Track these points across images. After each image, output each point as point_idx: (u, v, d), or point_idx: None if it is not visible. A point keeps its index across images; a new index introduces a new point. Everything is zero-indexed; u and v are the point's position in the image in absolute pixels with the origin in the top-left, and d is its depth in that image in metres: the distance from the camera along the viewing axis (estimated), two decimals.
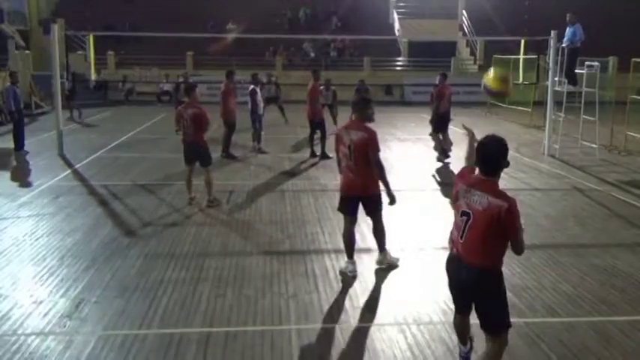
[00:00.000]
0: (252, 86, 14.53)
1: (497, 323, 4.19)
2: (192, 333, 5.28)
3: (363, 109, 6.48)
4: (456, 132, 17.75)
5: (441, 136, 13.68)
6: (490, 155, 4.06)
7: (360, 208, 6.66)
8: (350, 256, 6.77)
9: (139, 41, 29.06)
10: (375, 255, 7.16)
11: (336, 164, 6.81)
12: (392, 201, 6.49)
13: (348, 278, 6.57)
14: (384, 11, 34.52)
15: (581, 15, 14.48)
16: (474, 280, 4.09)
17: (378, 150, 6.38)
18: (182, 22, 28.68)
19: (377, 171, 6.39)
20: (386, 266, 6.87)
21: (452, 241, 4.26)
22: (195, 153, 9.36)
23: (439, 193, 10.66)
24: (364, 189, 6.47)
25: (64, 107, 20.57)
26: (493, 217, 3.92)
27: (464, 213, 4.08)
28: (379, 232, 6.80)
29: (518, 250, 4.06)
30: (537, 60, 15.44)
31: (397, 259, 7.01)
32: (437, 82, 14.00)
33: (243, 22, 29.73)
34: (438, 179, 11.92)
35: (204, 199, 9.53)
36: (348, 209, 6.69)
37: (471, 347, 4.68)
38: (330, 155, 13.41)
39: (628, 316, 5.73)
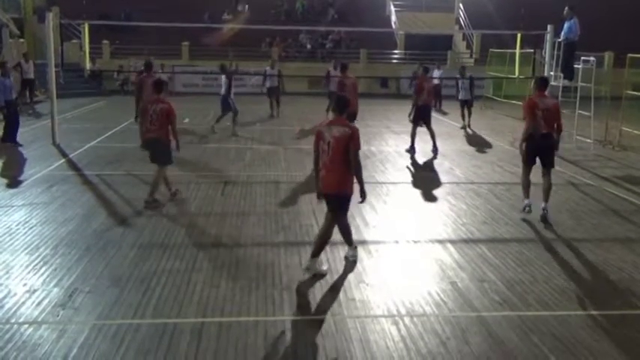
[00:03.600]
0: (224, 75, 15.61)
1: (554, 162, 8.71)
2: (185, 323, 5.29)
3: (345, 107, 6.41)
4: (452, 125, 17.78)
5: (426, 129, 13.73)
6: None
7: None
8: (350, 243, 6.79)
9: (134, 31, 28.88)
10: (369, 247, 7.19)
11: (314, 162, 6.47)
12: (363, 199, 6.37)
13: (341, 270, 6.57)
14: (380, 4, 34.40)
15: (577, 10, 14.46)
16: (550, 142, 8.47)
17: (358, 147, 6.19)
18: (178, 13, 28.52)
19: (355, 169, 6.22)
20: (353, 260, 6.78)
21: (537, 127, 8.29)
22: (155, 149, 8.93)
23: (433, 186, 10.66)
24: (338, 188, 6.26)
25: (24, 101, 20.44)
26: (554, 110, 8.42)
27: (544, 110, 8.29)
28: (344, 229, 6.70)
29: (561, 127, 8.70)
30: (533, 54, 15.44)
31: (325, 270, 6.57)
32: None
33: (239, 14, 29.62)
34: (432, 172, 11.93)
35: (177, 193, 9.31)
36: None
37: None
38: None
39: (619, 310, 5.77)
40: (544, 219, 8.40)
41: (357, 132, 6.19)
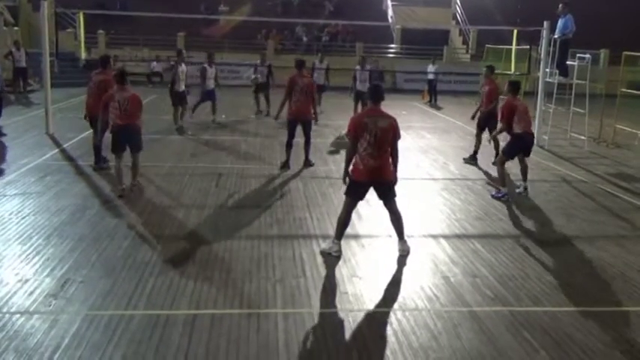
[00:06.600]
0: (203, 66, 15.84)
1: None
2: (178, 315, 5.29)
3: (381, 96, 6.68)
4: (448, 121, 17.80)
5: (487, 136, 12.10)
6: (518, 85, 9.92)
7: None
8: (340, 237, 6.86)
9: (130, 21, 28.73)
10: (363, 241, 7.20)
11: (348, 152, 6.67)
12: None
13: (335, 264, 6.59)
14: None
15: (572, 6, 14.48)
16: (533, 139, 9.77)
17: (399, 136, 6.70)
18: (174, 3, 28.37)
19: (396, 156, 6.71)
20: (406, 254, 6.88)
21: (525, 127, 9.32)
22: (129, 137, 8.85)
23: (427, 181, 10.68)
24: (390, 175, 6.70)
25: (18, 90, 20.24)
26: (527, 110, 9.53)
27: (526, 112, 9.39)
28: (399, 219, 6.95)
29: None
30: (529, 51, 15.44)
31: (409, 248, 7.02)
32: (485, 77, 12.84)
33: (236, 5, 29.50)
34: (427, 167, 11.94)
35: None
36: (361, 195, 6.80)
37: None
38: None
39: (610, 306, 5.81)
40: (526, 194, 9.63)
41: (397, 122, 6.67)
